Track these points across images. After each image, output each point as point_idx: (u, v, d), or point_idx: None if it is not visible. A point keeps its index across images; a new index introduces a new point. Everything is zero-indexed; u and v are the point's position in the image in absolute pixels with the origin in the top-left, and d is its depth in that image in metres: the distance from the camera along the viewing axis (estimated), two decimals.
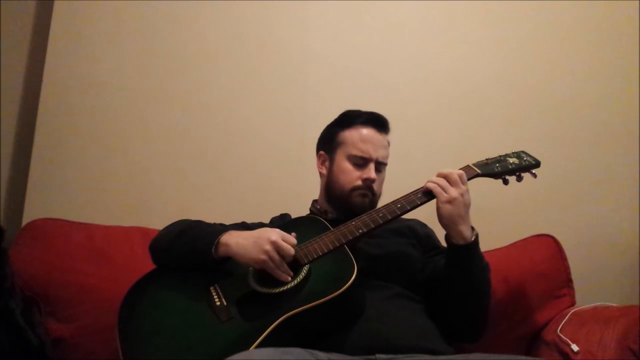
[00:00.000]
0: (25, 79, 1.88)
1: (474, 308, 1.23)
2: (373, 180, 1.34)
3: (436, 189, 1.21)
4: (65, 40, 1.84)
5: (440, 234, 1.44)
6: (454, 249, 1.21)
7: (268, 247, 1.11)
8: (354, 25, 2.01)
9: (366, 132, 1.38)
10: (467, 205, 1.20)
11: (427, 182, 1.24)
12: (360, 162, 1.35)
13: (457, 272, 1.21)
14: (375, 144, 1.37)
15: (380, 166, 1.38)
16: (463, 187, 1.21)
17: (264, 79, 1.95)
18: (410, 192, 1.25)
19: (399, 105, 1.98)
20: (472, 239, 1.20)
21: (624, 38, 2.06)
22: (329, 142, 1.43)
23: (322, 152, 1.45)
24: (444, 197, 1.19)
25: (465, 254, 1.20)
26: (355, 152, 1.36)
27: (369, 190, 1.35)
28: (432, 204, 1.23)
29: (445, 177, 1.22)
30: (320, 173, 1.46)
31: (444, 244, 1.28)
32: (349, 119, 1.41)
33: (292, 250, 1.14)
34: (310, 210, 1.48)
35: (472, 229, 1.22)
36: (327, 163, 1.43)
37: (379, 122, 1.40)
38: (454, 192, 1.19)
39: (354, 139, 1.37)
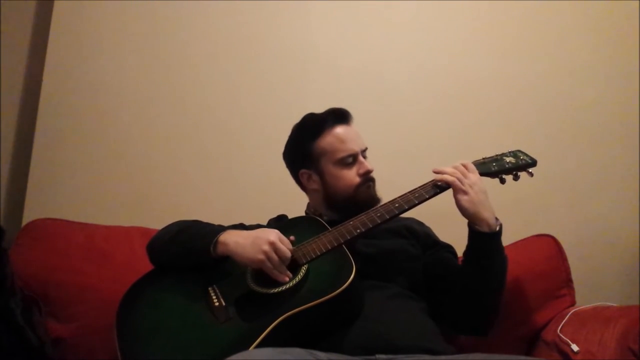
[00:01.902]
0: (25, 79, 1.88)
1: (492, 299, 1.22)
2: (371, 170, 1.35)
3: (454, 182, 1.21)
4: (65, 40, 1.84)
5: (437, 232, 1.45)
6: (480, 237, 1.20)
7: (266, 247, 1.11)
8: (356, 25, 2.01)
9: (339, 131, 1.35)
10: (484, 192, 1.21)
11: (441, 175, 1.24)
12: (350, 161, 1.34)
13: (482, 261, 1.20)
14: (353, 137, 1.36)
15: (364, 154, 1.38)
16: (477, 174, 1.23)
17: (265, 78, 1.95)
18: (408, 192, 1.25)
19: (399, 105, 1.98)
20: (497, 228, 1.20)
21: (624, 38, 2.06)
22: (305, 158, 1.38)
23: (303, 170, 1.39)
24: (461, 187, 1.19)
25: (492, 241, 1.20)
26: (340, 154, 1.33)
27: (371, 181, 1.36)
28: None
29: (457, 168, 1.23)
30: (312, 189, 1.41)
31: (454, 239, 1.27)
32: (316, 127, 1.37)
33: (288, 253, 1.14)
34: (306, 213, 1.46)
35: (496, 218, 1.22)
36: (314, 177, 1.38)
37: (343, 116, 1.38)
38: (472, 177, 1.21)
39: (332, 143, 1.34)
